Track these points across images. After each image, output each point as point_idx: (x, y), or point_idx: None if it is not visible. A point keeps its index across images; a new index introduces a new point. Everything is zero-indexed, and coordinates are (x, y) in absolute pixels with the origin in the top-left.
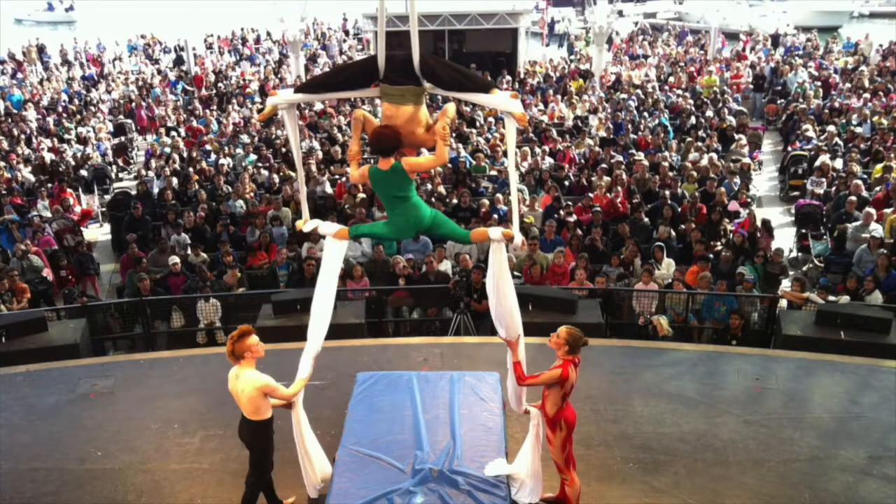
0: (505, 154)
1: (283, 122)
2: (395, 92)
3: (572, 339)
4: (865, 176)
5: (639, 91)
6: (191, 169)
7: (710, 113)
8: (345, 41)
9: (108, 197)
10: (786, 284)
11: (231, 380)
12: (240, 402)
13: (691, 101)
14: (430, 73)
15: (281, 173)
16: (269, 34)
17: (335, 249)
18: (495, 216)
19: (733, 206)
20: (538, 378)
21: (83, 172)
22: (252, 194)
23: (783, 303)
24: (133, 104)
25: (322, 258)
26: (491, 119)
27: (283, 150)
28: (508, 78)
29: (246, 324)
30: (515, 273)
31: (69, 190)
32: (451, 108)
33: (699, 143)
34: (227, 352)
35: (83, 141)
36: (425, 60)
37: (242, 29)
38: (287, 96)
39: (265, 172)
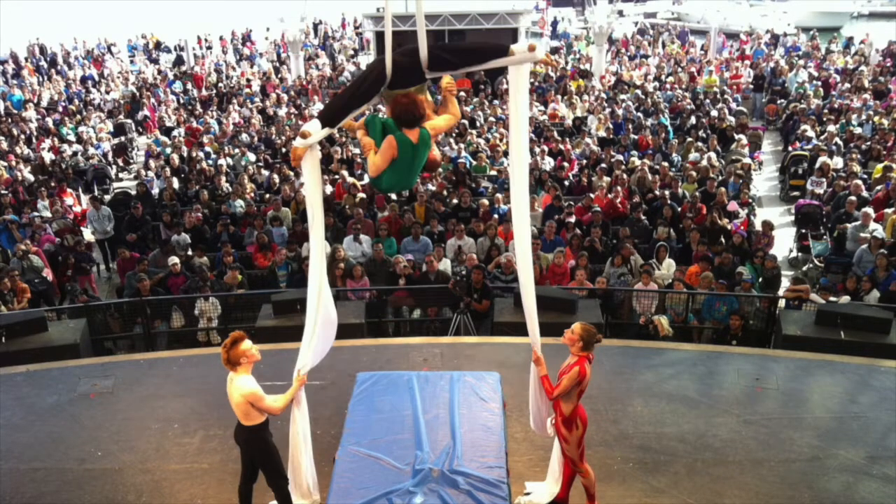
0: (505, 154)
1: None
2: (403, 92)
3: (587, 335)
4: (865, 176)
5: (638, 91)
6: (191, 169)
7: (714, 112)
8: (342, 39)
9: (108, 197)
10: (786, 285)
11: (227, 383)
12: (232, 407)
13: (691, 101)
14: (444, 57)
15: (281, 173)
16: (250, 34)
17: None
18: (495, 216)
19: (733, 206)
20: (561, 386)
21: (84, 172)
22: (252, 194)
23: (782, 302)
24: (133, 104)
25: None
26: (492, 119)
27: (283, 150)
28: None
29: (245, 324)
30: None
31: (69, 190)
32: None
33: (699, 144)
34: (223, 360)
35: (83, 141)
36: (434, 55)
37: (251, 30)
38: (317, 131)
39: (265, 172)
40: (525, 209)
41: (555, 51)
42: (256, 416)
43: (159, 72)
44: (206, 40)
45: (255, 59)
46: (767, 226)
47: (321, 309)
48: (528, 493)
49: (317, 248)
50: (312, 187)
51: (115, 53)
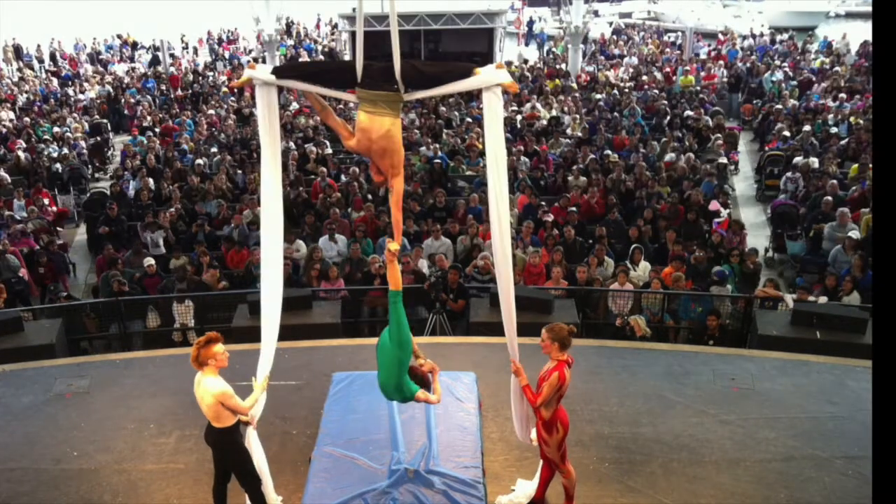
0: (481, 155)
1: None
2: (370, 97)
3: (557, 335)
4: (841, 176)
5: (615, 91)
6: (167, 169)
7: (689, 112)
8: (318, 41)
9: (84, 197)
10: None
11: (195, 384)
12: (202, 409)
13: (666, 101)
14: (413, 74)
15: (256, 173)
16: (232, 33)
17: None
18: (471, 216)
19: (714, 205)
20: (543, 394)
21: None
22: (229, 194)
23: (759, 302)
24: (109, 104)
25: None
26: (469, 119)
27: (259, 151)
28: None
29: (221, 324)
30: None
31: (45, 190)
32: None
33: (675, 143)
34: (192, 357)
35: (60, 141)
36: (405, 64)
37: (230, 30)
38: (264, 73)
39: (241, 172)
40: (505, 221)
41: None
42: (227, 417)
43: (133, 70)
44: (183, 41)
45: (234, 60)
46: (737, 225)
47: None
48: (513, 490)
49: (271, 209)
50: (265, 128)
51: (93, 54)
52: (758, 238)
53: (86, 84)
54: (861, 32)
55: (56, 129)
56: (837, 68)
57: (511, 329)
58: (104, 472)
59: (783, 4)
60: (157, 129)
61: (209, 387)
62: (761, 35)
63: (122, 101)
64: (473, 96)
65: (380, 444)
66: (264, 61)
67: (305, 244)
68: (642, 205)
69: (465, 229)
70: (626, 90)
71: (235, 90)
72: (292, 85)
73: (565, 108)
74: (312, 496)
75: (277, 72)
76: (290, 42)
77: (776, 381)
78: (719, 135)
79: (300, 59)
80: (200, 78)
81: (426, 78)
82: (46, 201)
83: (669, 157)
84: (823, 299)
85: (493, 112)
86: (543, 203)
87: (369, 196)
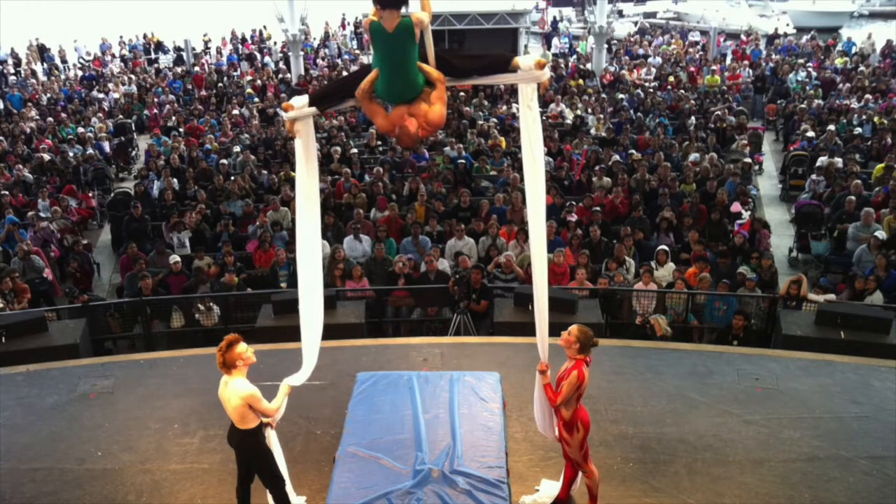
0: (505, 155)
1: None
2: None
3: (584, 338)
4: (865, 176)
5: (639, 91)
6: (190, 169)
7: (717, 112)
8: (343, 40)
9: (108, 197)
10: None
11: (220, 386)
12: (227, 410)
13: (692, 101)
14: (445, 67)
15: (284, 173)
16: (261, 33)
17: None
18: (495, 216)
19: (735, 207)
20: (563, 393)
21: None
22: (252, 195)
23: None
24: (133, 104)
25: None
26: (493, 120)
27: (283, 150)
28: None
29: (245, 324)
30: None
31: (75, 190)
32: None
33: (699, 144)
34: (218, 363)
35: (83, 141)
36: (437, 58)
37: (255, 30)
38: (304, 108)
39: (265, 172)
40: (540, 216)
41: (561, 56)
42: (252, 419)
43: (158, 71)
44: (205, 41)
45: (257, 59)
46: (759, 223)
47: (315, 313)
48: (537, 490)
49: (309, 231)
50: (303, 157)
51: (115, 54)
52: (782, 238)
53: (110, 84)
54: (885, 32)
55: (80, 129)
56: (862, 68)
57: (543, 328)
58: (128, 472)
59: (807, 4)
60: (181, 129)
61: (237, 388)
62: (785, 35)
63: (146, 101)
64: (497, 98)
65: (404, 444)
66: (287, 63)
67: (329, 244)
68: (665, 204)
69: (486, 229)
70: (651, 90)
71: (258, 90)
72: (332, 108)
73: (589, 108)
74: (336, 496)
75: (315, 102)
76: (315, 42)
77: (800, 381)
78: (743, 135)
79: (319, 59)
80: (225, 78)
81: (458, 72)
82: (74, 202)
83: (694, 157)
84: (830, 297)
85: (530, 101)
86: (574, 202)
87: (393, 196)
